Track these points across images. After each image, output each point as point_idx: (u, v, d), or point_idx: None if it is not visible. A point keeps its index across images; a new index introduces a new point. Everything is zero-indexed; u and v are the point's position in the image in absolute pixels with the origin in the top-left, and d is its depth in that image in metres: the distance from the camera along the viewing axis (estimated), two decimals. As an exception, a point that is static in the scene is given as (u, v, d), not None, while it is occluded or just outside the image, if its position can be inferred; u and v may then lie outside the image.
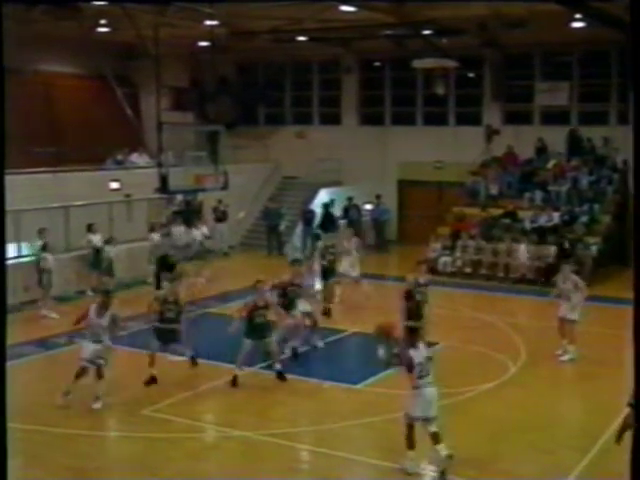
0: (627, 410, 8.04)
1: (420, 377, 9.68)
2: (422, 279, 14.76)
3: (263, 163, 29.96)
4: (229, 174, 20.56)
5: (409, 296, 14.21)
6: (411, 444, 9.83)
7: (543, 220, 23.47)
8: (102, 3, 20.98)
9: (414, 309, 14.02)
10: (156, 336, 13.39)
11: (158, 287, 19.57)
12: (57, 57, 27.99)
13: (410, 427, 9.83)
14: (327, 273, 18.16)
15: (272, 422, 11.58)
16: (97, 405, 11.99)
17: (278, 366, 13.48)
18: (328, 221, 26.97)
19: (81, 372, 12.09)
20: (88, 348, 12.20)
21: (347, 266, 18.73)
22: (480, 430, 11.32)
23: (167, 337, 13.39)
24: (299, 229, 27.82)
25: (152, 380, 13.11)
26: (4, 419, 3.31)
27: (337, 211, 27.72)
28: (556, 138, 26.03)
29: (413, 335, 10.32)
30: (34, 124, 26.33)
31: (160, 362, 13.56)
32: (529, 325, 17.68)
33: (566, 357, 14.49)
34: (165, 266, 19.84)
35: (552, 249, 21.98)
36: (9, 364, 12.26)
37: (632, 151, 3.78)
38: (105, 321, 12.20)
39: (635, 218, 3.95)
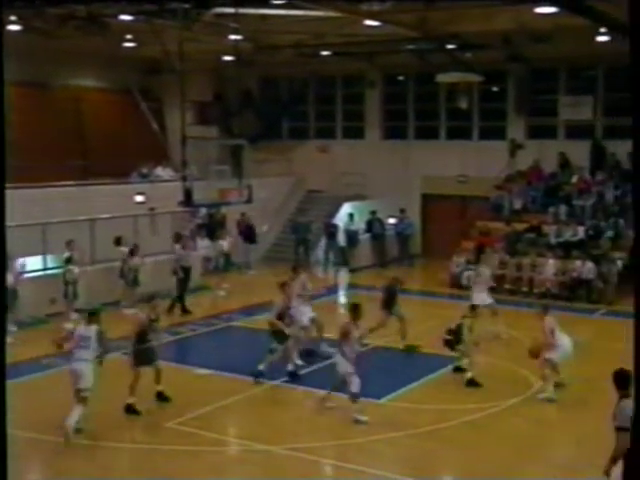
0: (621, 435, 7.74)
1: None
2: None
3: (287, 177, 30.06)
4: (253, 188, 20.64)
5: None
6: None
7: (568, 235, 23.36)
8: (128, 18, 21.19)
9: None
10: (138, 359, 12.71)
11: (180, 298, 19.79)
12: (85, 72, 28.38)
13: None
14: None
15: (295, 436, 11.60)
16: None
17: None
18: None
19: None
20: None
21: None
22: (503, 446, 11.26)
23: (147, 357, 12.79)
24: (322, 243, 27.85)
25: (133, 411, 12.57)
26: (4, 421, 3.37)
27: (359, 225, 27.73)
28: (580, 152, 25.92)
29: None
30: (63, 138, 26.69)
31: (186, 375, 13.62)
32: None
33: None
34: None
35: (577, 264, 21.89)
36: (34, 376, 12.49)
37: (632, 151, 3.77)
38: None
39: (635, 218, 3.90)
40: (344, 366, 12.02)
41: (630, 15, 3.43)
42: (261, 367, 13.80)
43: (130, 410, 12.42)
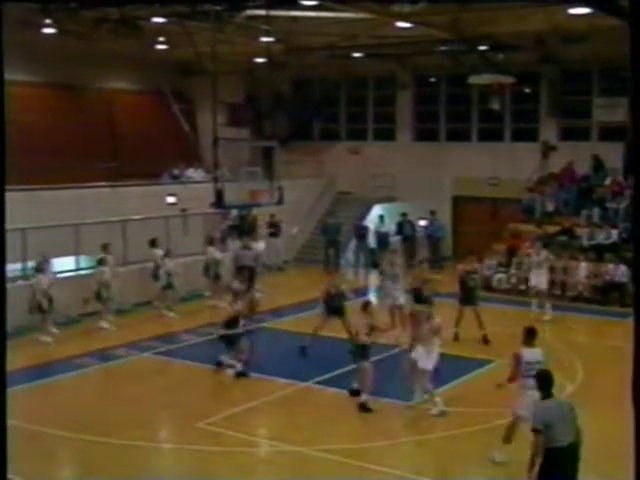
0: (534, 437, 7.84)
1: (527, 376, 9.74)
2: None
3: (317, 178, 30.06)
4: (284, 189, 20.67)
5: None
6: (507, 439, 10.23)
7: (601, 237, 23.12)
8: (161, 20, 21.35)
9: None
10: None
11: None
12: (118, 74, 28.62)
13: (513, 424, 10.19)
14: None
15: (325, 438, 11.57)
16: None
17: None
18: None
19: None
20: None
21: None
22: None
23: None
24: (353, 244, 27.84)
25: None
26: (4, 420, 3.41)
27: (389, 227, 27.68)
28: (614, 154, 25.62)
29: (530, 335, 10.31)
30: (96, 139, 26.95)
31: (215, 376, 13.67)
32: (586, 343, 17.42)
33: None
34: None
35: (610, 267, 21.67)
36: (67, 375, 12.59)
37: (632, 150, 3.71)
38: None
39: (634, 218, 3.83)
40: None
41: (631, 15, 3.40)
42: (364, 397, 12.70)
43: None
